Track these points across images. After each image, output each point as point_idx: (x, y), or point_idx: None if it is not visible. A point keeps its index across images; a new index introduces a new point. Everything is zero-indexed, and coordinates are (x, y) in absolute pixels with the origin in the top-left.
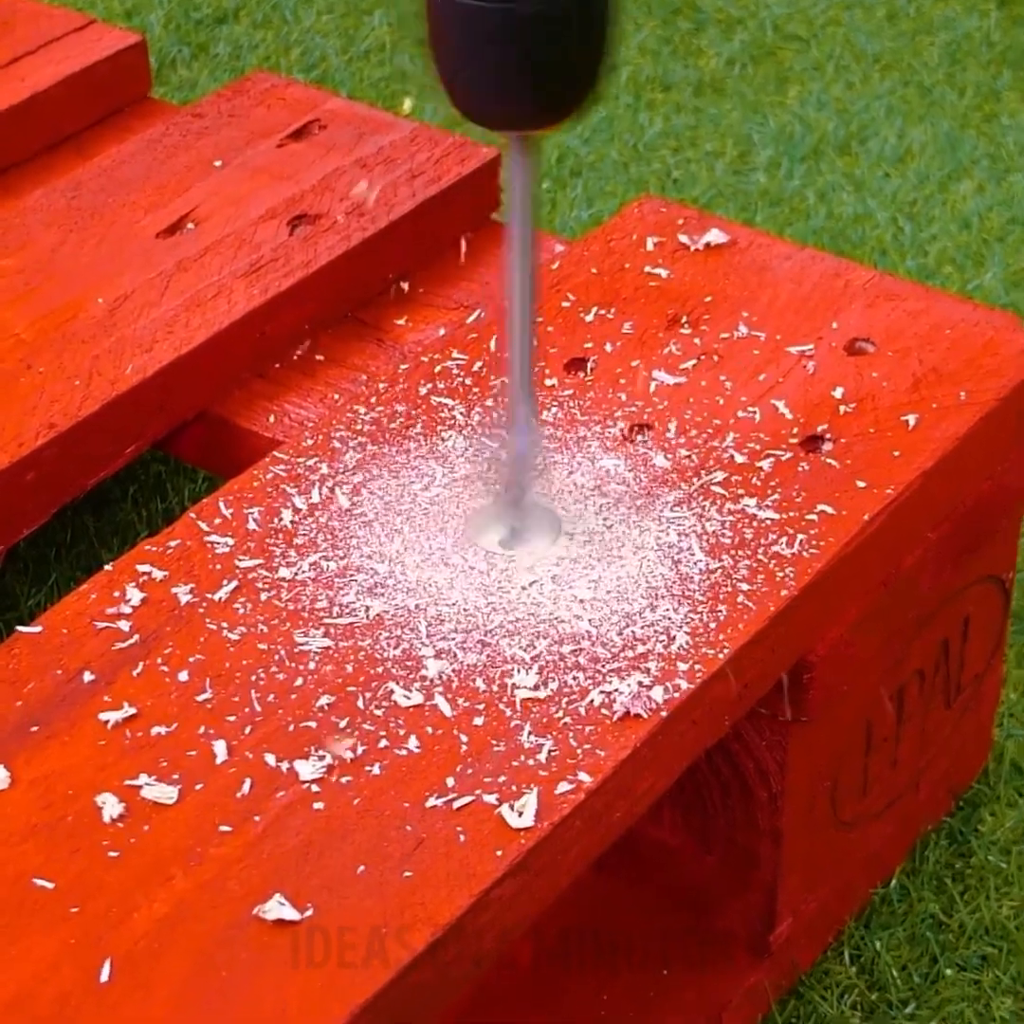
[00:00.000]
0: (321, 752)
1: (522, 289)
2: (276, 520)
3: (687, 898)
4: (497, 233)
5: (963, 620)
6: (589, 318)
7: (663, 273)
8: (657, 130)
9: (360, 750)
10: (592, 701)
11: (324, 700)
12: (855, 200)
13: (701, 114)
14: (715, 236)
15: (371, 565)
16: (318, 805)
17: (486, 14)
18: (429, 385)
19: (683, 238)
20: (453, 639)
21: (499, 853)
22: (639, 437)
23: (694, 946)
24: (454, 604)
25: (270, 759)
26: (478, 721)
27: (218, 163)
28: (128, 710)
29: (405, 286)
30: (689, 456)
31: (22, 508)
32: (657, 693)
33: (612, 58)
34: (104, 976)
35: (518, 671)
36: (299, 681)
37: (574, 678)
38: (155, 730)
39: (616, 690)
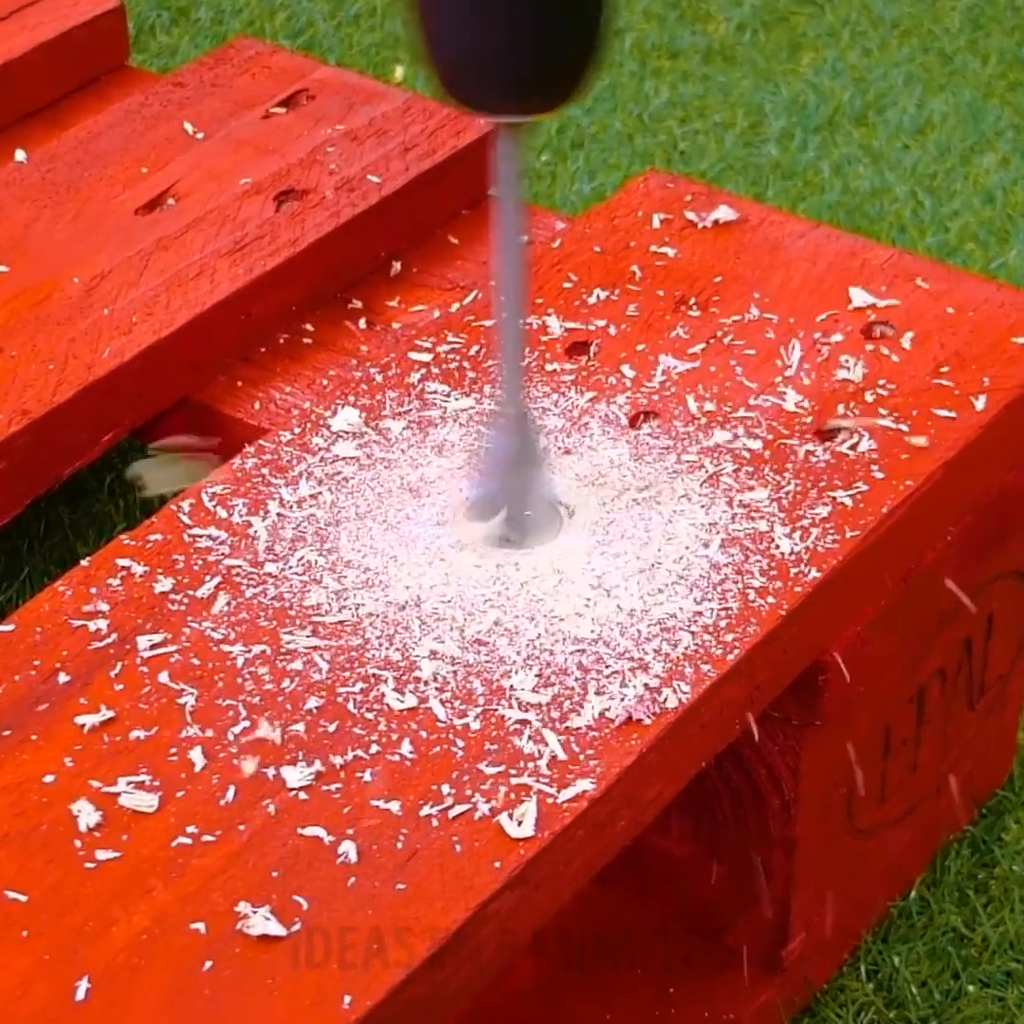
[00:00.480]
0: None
1: (512, 274)
2: (262, 513)
3: (695, 912)
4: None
5: (986, 617)
6: (592, 299)
7: (670, 252)
8: (663, 99)
9: None
10: (594, 704)
11: (312, 703)
12: (872, 173)
13: (710, 83)
14: (724, 213)
15: (362, 560)
16: (305, 813)
17: None
18: (423, 370)
19: (691, 215)
20: (448, 638)
21: (497, 864)
22: (644, 425)
23: (702, 962)
24: (449, 601)
25: (255, 765)
26: (475, 725)
27: (200, 135)
28: (105, 713)
29: (397, 265)
30: (697, 445)
31: None
32: (664, 696)
33: (608, 38)
34: (80, 994)
35: (517, 672)
36: (286, 683)
37: (576, 680)
38: (134, 734)
39: (620, 693)
